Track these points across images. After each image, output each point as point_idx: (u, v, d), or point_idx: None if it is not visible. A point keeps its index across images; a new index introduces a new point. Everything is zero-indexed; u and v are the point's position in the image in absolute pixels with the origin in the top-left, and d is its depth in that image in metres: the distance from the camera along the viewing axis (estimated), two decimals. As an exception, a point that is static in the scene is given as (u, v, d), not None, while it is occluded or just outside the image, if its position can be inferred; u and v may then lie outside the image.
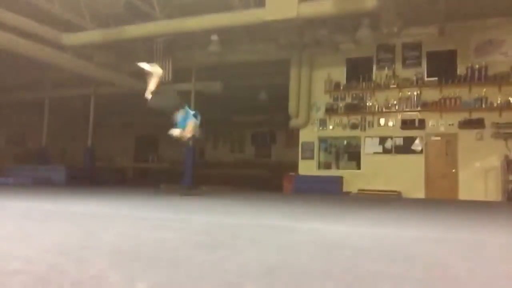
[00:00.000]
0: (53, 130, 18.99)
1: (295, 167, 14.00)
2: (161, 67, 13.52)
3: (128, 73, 15.76)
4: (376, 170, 12.53)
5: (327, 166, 13.72)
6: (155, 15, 11.95)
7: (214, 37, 12.65)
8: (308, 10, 10.27)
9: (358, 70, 13.20)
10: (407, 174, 12.16)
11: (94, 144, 17.80)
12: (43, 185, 12.43)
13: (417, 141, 12.33)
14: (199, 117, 7.25)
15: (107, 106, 18.80)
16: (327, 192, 12.02)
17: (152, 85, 6.82)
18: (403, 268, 2.11)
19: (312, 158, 13.64)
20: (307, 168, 13.55)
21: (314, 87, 13.68)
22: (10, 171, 15.72)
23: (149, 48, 13.82)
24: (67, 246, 2.41)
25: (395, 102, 12.66)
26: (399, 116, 12.61)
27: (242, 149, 22.89)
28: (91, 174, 16.19)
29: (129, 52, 15.00)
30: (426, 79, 12.43)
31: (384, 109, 12.75)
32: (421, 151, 12.28)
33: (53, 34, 12.47)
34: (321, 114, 13.57)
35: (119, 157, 22.73)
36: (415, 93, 12.45)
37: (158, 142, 23.77)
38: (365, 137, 13.02)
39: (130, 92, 17.03)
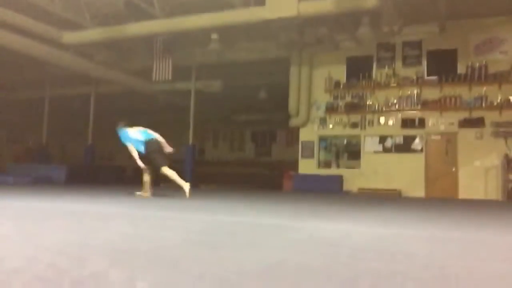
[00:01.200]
0: (53, 129, 18.99)
1: (295, 165, 14.01)
2: (161, 65, 13.67)
3: (128, 72, 15.77)
4: (376, 169, 12.52)
5: (327, 165, 13.71)
6: (155, 13, 11.93)
7: (214, 36, 12.64)
8: (308, 8, 10.25)
9: (358, 69, 13.17)
10: (407, 173, 12.16)
11: (94, 143, 17.80)
12: (43, 184, 12.42)
13: (417, 140, 12.33)
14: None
15: (107, 104, 18.80)
16: (327, 190, 12.02)
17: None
18: (403, 267, 2.11)
19: (312, 157, 13.63)
20: (307, 167, 13.55)
21: (314, 85, 13.66)
22: (10, 169, 15.70)
23: (149, 47, 13.81)
24: (66, 245, 2.41)
25: (395, 101, 12.64)
26: (399, 115, 12.60)
27: (242, 147, 22.90)
28: (91, 172, 16.19)
29: (129, 51, 15.00)
30: (426, 77, 12.42)
31: (384, 108, 12.73)
32: (421, 150, 12.28)
33: (53, 32, 12.46)
34: (321, 113, 13.56)
35: (119, 155, 22.73)
36: (415, 92, 12.44)
37: (158, 141, 23.77)
38: (365, 136, 13.01)
39: (130, 90, 17.07)
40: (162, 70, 13.78)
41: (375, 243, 2.90)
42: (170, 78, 13.80)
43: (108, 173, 17.26)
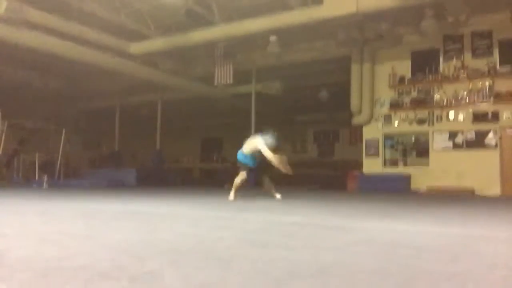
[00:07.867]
0: (124, 135, 20.06)
1: (359, 165, 13.69)
2: (222, 70, 13.96)
3: (192, 78, 16.29)
4: (446, 167, 11.91)
5: (393, 163, 13.25)
6: (215, 20, 12.22)
7: (273, 38, 12.70)
8: (368, 3, 10.00)
9: (424, 63, 12.63)
10: (481, 171, 11.43)
11: (162, 147, 18.56)
12: (115, 187, 13.14)
13: (490, 135, 11.57)
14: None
15: (173, 110, 19.54)
16: (393, 190, 11.63)
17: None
18: (464, 268, 2.01)
19: (377, 155, 13.24)
20: (372, 166, 13.19)
21: (377, 82, 13.28)
22: (87, 174, 16.80)
23: (210, 53, 14.17)
24: (128, 244, 2.55)
25: (465, 94, 11.97)
26: (470, 109, 11.90)
27: (305, 148, 22.78)
28: (159, 175, 16.88)
29: (192, 58, 15.49)
30: (498, 68, 11.64)
31: (453, 102, 12.10)
32: (496, 146, 11.50)
33: (121, 44, 13.19)
34: (385, 109, 13.15)
35: (186, 158, 23.55)
36: (487, 84, 11.68)
37: (222, 143, 24.36)
38: (434, 132, 12.43)
39: (194, 96, 17.61)
40: (224, 75, 14.08)
41: (436, 244, 2.78)
42: (231, 82, 14.06)
43: (175, 176, 17.89)
